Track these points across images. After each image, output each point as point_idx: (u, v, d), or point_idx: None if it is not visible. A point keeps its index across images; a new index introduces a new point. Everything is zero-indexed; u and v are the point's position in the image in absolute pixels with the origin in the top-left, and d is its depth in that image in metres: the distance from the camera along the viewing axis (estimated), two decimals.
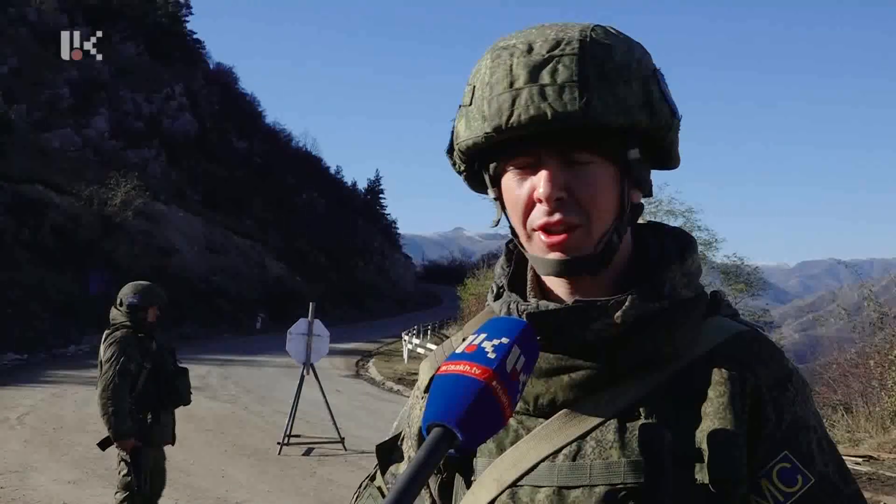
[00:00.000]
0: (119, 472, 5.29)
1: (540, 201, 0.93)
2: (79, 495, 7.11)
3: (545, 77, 0.90)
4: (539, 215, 0.94)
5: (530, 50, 0.93)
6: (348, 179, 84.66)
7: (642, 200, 1.01)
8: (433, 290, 75.52)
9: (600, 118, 0.90)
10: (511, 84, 0.92)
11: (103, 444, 5.23)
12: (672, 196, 21.57)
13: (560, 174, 0.93)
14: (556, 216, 0.93)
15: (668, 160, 1.02)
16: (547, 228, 0.94)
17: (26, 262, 24.66)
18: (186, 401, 5.51)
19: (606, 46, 0.93)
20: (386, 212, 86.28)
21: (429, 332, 29.78)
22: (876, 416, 10.65)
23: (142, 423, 5.20)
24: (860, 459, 9.16)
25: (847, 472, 0.96)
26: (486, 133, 0.93)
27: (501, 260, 1.11)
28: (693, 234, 1.07)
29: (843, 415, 11.28)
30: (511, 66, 0.92)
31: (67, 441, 9.31)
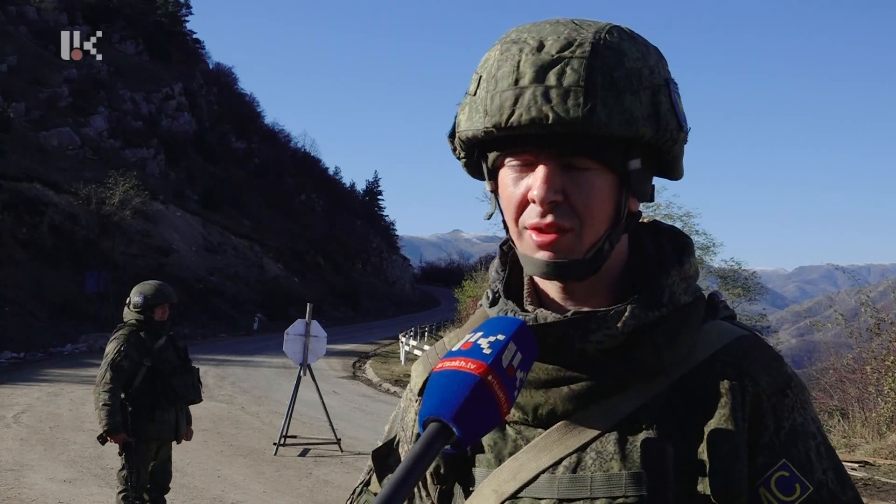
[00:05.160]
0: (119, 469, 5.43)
1: (534, 202, 0.92)
2: (74, 494, 7.10)
3: (551, 79, 0.88)
4: (532, 215, 0.93)
5: (541, 48, 0.90)
6: (347, 180, 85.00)
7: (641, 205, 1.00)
8: (431, 292, 75.59)
9: (602, 128, 0.88)
10: (516, 81, 0.90)
11: (102, 439, 5.32)
12: (670, 200, 21.71)
13: (557, 177, 0.91)
14: (549, 218, 0.91)
15: (671, 172, 1.00)
16: (537, 228, 0.92)
17: (24, 260, 24.65)
18: (191, 399, 5.57)
19: (619, 52, 0.90)
20: (384, 213, 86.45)
21: (426, 333, 29.74)
22: (872, 421, 10.65)
23: (135, 418, 5.28)
24: (856, 465, 9.17)
25: (846, 478, 0.94)
26: (486, 129, 0.92)
27: (496, 263, 1.08)
28: (691, 238, 1.03)
29: (839, 420, 11.29)
30: (519, 62, 0.90)
31: (63, 440, 9.31)
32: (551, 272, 0.94)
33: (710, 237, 22.75)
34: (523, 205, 0.94)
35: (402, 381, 17.83)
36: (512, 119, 0.89)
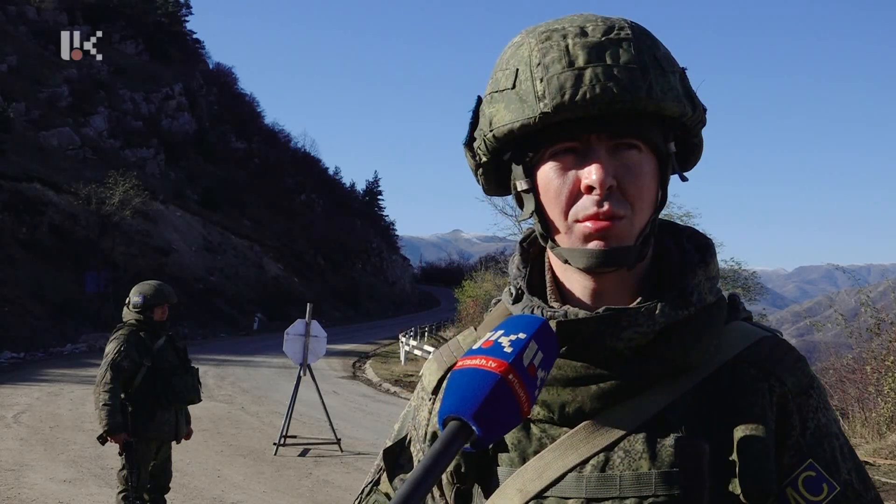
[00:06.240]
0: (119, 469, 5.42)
1: (589, 190, 0.90)
2: (74, 494, 7.10)
3: (608, 58, 0.89)
4: (586, 205, 0.91)
5: (584, 33, 0.91)
6: (346, 180, 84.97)
7: None
8: (431, 292, 75.57)
9: (659, 102, 0.89)
10: (571, 64, 0.89)
11: (102, 439, 5.31)
12: (670, 200, 21.66)
13: (610, 162, 0.91)
14: (605, 206, 0.90)
15: (691, 158, 1.02)
16: (594, 218, 0.91)
17: (24, 260, 24.64)
18: (190, 399, 5.57)
19: (652, 36, 0.94)
20: (384, 213, 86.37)
21: (426, 333, 29.69)
22: (872, 421, 10.64)
23: (135, 418, 5.28)
24: None
25: (867, 477, 0.95)
26: (543, 112, 0.89)
27: (517, 260, 1.06)
28: (711, 238, 1.04)
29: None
30: (567, 46, 0.90)
31: (63, 440, 9.30)
32: (604, 261, 0.92)
33: (710, 237, 22.70)
34: (574, 197, 0.92)
35: (402, 381, 17.82)
36: (577, 97, 0.88)
